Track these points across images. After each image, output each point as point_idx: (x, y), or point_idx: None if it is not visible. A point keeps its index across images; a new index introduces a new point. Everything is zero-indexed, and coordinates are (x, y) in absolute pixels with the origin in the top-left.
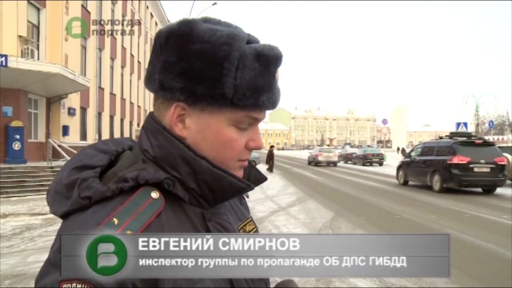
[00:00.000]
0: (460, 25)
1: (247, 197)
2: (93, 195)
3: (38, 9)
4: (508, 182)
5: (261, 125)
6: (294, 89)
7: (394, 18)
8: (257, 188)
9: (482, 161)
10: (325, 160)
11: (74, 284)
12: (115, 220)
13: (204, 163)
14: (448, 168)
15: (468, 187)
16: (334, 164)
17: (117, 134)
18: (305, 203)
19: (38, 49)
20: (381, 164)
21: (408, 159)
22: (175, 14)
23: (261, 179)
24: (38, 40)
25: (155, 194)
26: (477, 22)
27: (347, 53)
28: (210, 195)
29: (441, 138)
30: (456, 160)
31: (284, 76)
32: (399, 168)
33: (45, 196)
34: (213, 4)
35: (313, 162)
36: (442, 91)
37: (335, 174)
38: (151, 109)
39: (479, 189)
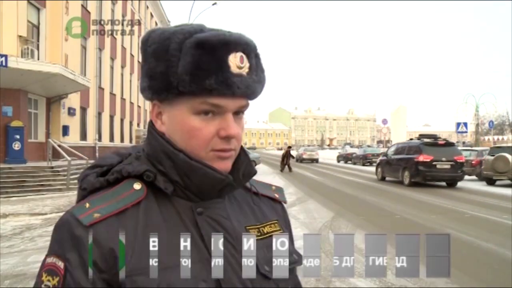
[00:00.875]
0: (460, 25)
1: (285, 202)
2: (87, 186)
3: (38, 9)
4: (508, 182)
5: (261, 125)
6: (294, 89)
7: (394, 18)
8: None
9: (444, 159)
10: (309, 158)
11: (52, 258)
12: (87, 204)
13: (181, 155)
14: (415, 165)
15: (432, 181)
16: (316, 160)
17: (117, 134)
18: (305, 203)
19: (38, 49)
20: None
21: (385, 158)
22: (175, 14)
23: (252, 172)
24: (38, 40)
25: (137, 186)
26: (477, 22)
27: (348, 53)
28: (194, 187)
29: (411, 139)
30: (421, 158)
31: (284, 76)
32: (378, 165)
33: (45, 196)
34: (213, 4)
35: (300, 159)
36: (442, 91)
37: (335, 174)
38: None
39: (444, 183)
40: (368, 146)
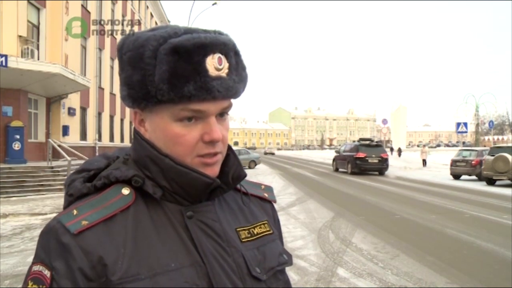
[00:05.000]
0: (460, 25)
1: (274, 202)
2: (73, 192)
3: (38, 9)
4: (508, 182)
5: (261, 125)
6: (294, 89)
7: (394, 18)
8: None
9: (374, 155)
10: (269, 152)
11: (38, 266)
12: (75, 211)
13: (167, 160)
14: (354, 160)
15: (366, 171)
16: (273, 154)
17: (117, 134)
18: (305, 203)
19: (38, 49)
20: None
21: (338, 154)
22: (175, 14)
23: (242, 175)
24: (38, 40)
25: (126, 191)
26: (477, 22)
27: (348, 53)
28: (182, 191)
29: (354, 141)
30: (358, 155)
31: (284, 76)
32: (333, 160)
33: (45, 196)
34: (213, 4)
35: (265, 153)
36: (442, 91)
37: (335, 174)
38: None
39: (376, 172)
40: None
